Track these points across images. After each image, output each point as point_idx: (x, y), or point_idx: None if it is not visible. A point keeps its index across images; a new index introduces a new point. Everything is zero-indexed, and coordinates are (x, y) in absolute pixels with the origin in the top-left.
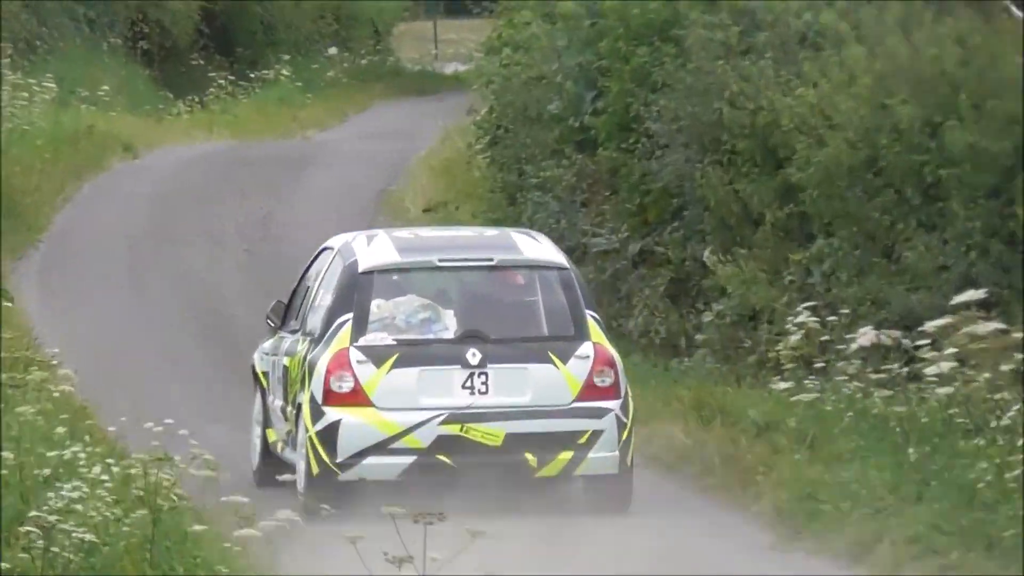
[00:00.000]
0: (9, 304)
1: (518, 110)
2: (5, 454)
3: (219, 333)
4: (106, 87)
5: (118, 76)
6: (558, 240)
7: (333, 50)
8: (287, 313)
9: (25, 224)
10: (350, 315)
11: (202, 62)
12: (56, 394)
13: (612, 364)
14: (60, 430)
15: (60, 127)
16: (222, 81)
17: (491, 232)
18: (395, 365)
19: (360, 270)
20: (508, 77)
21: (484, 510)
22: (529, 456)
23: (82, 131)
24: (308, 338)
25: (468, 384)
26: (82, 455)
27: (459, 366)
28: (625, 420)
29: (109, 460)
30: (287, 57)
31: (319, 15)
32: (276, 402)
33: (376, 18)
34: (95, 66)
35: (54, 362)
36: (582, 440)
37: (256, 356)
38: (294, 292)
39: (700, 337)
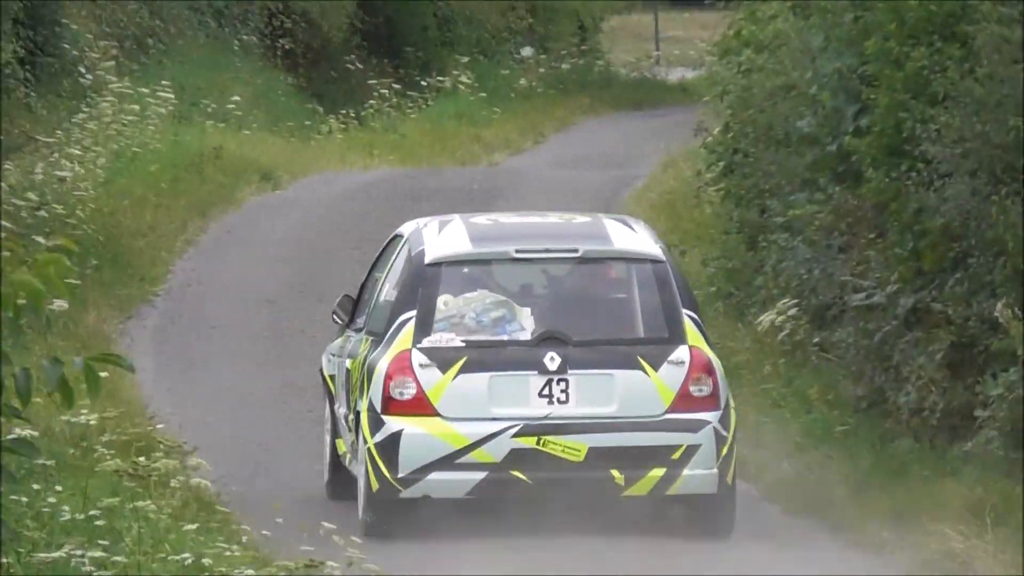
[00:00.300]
0: (129, 373)
1: (760, 129)
2: (118, 558)
3: None
4: (238, 98)
5: (253, 84)
6: (808, 294)
7: (527, 51)
8: (355, 309)
9: (137, 274)
10: (414, 313)
11: (360, 66)
12: (180, 485)
13: (711, 371)
14: (190, 527)
15: (180, 149)
16: (385, 91)
17: (581, 219)
18: (463, 370)
19: (426, 261)
20: (748, 86)
21: (562, 531)
22: (615, 473)
23: (208, 155)
24: (370, 338)
25: (546, 392)
26: (218, 559)
27: (536, 372)
28: (725, 434)
29: (248, 572)
30: (467, 60)
31: (509, 6)
32: (340, 409)
33: (581, 10)
34: (224, 71)
35: (180, 445)
36: (675, 456)
37: (324, 358)
38: (363, 285)
39: (986, 415)
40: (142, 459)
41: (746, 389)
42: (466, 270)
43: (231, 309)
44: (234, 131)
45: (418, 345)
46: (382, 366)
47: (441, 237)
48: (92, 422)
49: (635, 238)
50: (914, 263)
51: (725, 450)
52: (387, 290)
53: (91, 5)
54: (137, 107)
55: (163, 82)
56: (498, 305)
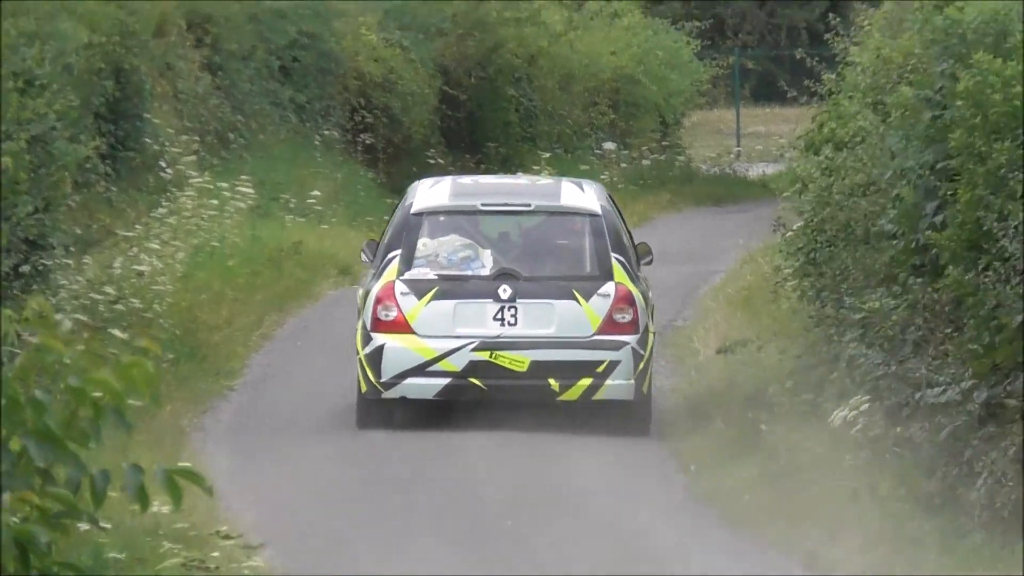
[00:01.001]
0: (208, 491)
1: (840, 226)
2: None
3: (469, 524)
4: (318, 192)
5: (333, 179)
6: (884, 390)
7: (609, 145)
8: (378, 249)
9: (213, 368)
10: (399, 251)
11: (440, 161)
12: None
13: (631, 302)
14: None
15: (259, 244)
16: None
17: (544, 181)
18: (435, 297)
19: (412, 211)
20: (828, 184)
21: (510, 426)
22: (552, 381)
23: (287, 249)
24: (372, 271)
25: (499, 316)
26: None
27: (491, 300)
28: (642, 353)
29: None
30: (548, 155)
31: (591, 101)
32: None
33: (663, 106)
34: (305, 166)
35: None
36: (600, 369)
37: (359, 289)
38: (384, 230)
39: None
40: (212, 554)
41: (817, 486)
42: (442, 218)
43: (307, 404)
44: (313, 225)
45: (401, 277)
46: (372, 293)
47: (430, 192)
48: (164, 511)
49: (581, 196)
50: (989, 359)
51: (642, 365)
52: (389, 234)
53: (173, 100)
54: (216, 202)
55: (243, 177)
56: (465, 247)
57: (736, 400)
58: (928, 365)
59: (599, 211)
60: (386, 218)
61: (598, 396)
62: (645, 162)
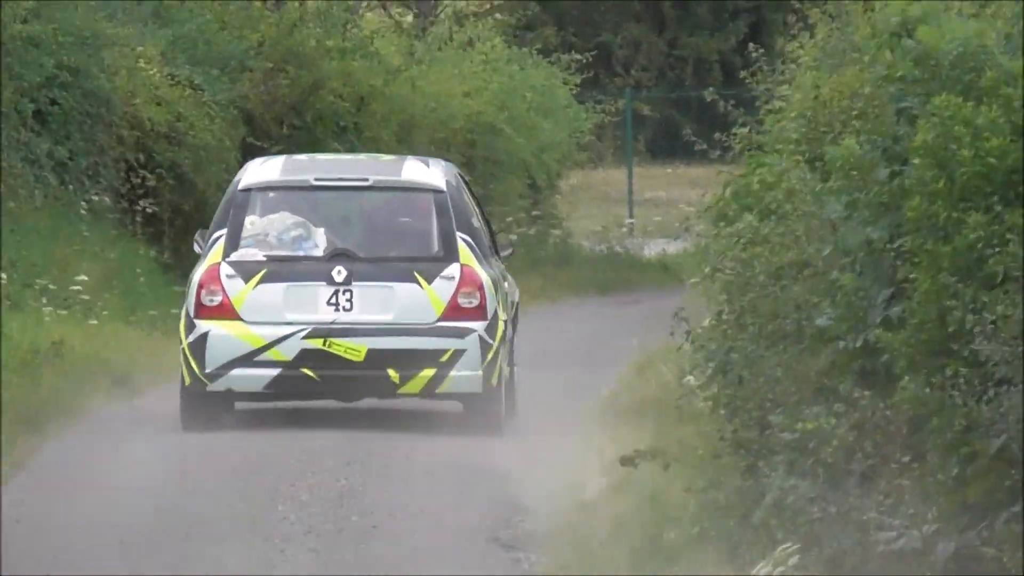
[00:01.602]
0: None
1: (764, 320)
2: None
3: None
4: (84, 277)
5: (105, 259)
6: (818, 539)
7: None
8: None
9: None
10: (224, 231)
11: None
12: None
13: (479, 286)
14: None
15: (8, 344)
16: None
17: (386, 158)
18: (263, 280)
19: (239, 188)
20: (748, 263)
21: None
22: (391, 372)
23: (45, 352)
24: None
25: (333, 301)
26: None
27: (325, 283)
28: (491, 342)
29: None
30: None
31: (441, 154)
32: None
33: (534, 162)
34: (67, 242)
35: None
36: (444, 359)
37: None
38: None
39: None
40: None
41: None
42: (272, 195)
43: (75, 553)
44: (79, 320)
45: (226, 259)
46: (195, 277)
47: (260, 168)
48: None
49: (424, 172)
50: (959, 496)
51: (490, 355)
52: (216, 215)
53: None
54: None
55: None
56: (297, 226)
57: (624, 553)
58: (879, 504)
59: (443, 187)
60: (174, 311)
61: (442, 389)
62: (511, 237)
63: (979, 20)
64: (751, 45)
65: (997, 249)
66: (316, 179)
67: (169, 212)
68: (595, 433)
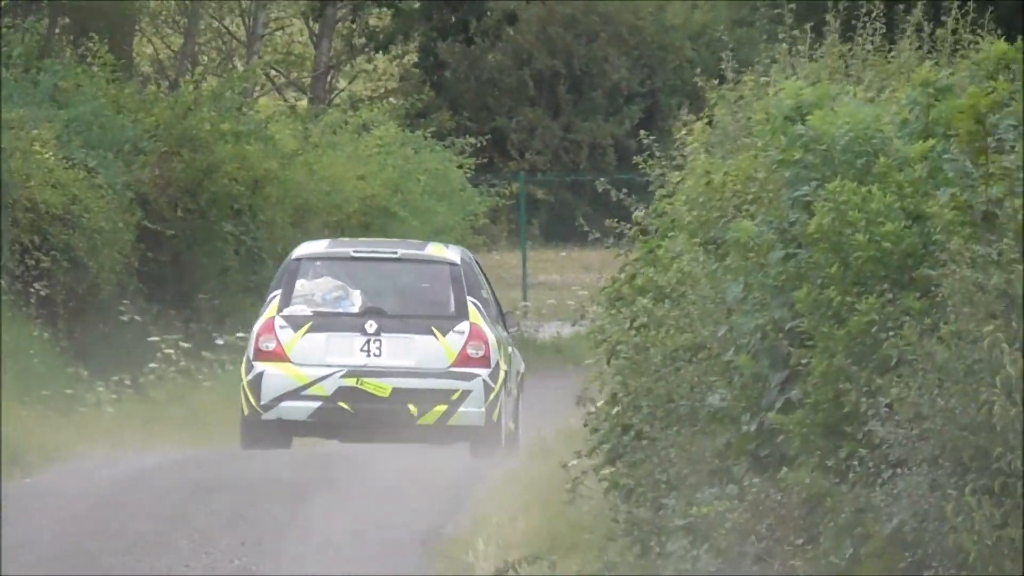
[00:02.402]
0: None
1: (658, 402)
2: None
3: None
4: None
5: None
6: None
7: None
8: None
9: None
10: (279, 291)
11: (138, 318)
12: None
13: (484, 340)
14: None
15: None
16: (171, 350)
17: (413, 241)
18: (309, 331)
19: (293, 257)
20: (643, 346)
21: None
22: (411, 407)
23: None
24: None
25: (365, 348)
26: None
27: (359, 333)
28: (493, 385)
29: None
30: None
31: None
32: None
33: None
34: None
35: None
36: (454, 397)
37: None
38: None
39: None
40: None
41: None
42: (318, 264)
43: None
44: None
45: (280, 313)
46: (255, 327)
47: (310, 244)
48: None
49: (443, 250)
50: None
51: (492, 396)
52: (273, 280)
53: None
54: None
55: None
56: (338, 288)
57: None
58: None
59: (458, 262)
60: (68, 391)
61: (452, 421)
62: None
63: (874, 105)
64: (642, 132)
65: (891, 332)
66: (355, 251)
67: (63, 294)
68: (490, 518)
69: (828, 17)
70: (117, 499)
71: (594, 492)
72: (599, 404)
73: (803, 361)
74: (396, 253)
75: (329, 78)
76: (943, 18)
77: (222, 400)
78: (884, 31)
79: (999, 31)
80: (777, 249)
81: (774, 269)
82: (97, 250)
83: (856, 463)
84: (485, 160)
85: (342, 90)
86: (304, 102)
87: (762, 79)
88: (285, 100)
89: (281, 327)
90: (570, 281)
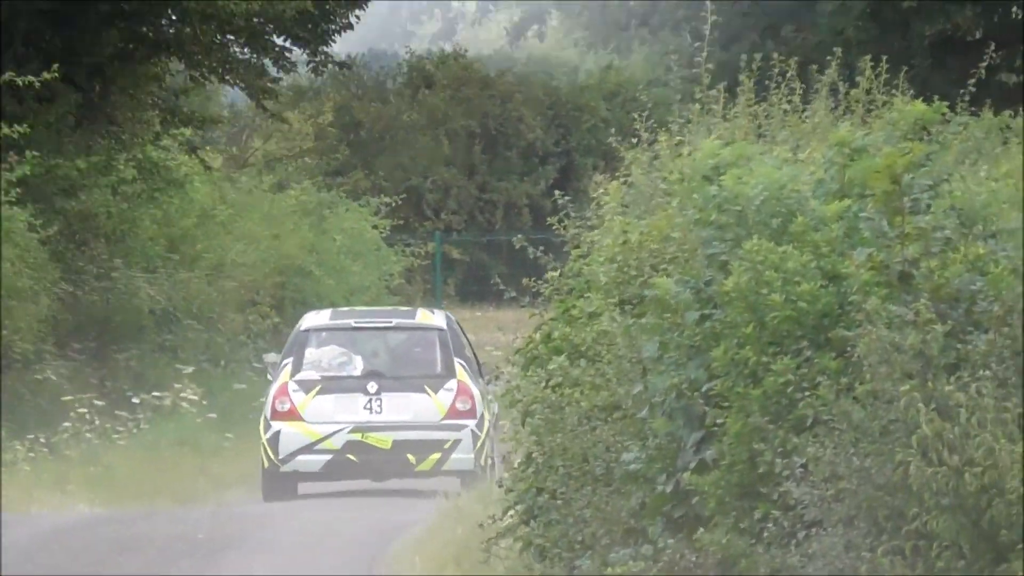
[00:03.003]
0: None
1: (572, 462)
2: None
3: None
4: None
5: None
6: None
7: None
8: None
9: None
10: (291, 359)
11: (52, 377)
12: None
13: (470, 395)
14: None
15: None
16: (84, 410)
17: (404, 309)
18: (319, 393)
19: (301, 329)
20: (558, 406)
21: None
22: (410, 456)
23: None
24: (271, 379)
25: (368, 406)
26: None
27: (362, 393)
28: (479, 433)
29: None
30: (192, 369)
31: (249, 300)
32: None
33: (345, 304)
34: None
35: None
36: (447, 446)
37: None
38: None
39: None
40: None
41: None
42: (324, 334)
43: None
44: None
45: (293, 378)
46: (271, 391)
47: (315, 316)
48: None
49: (431, 317)
50: None
51: (479, 443)
52: (284, 348)
53: None
54: None
55: None
56: (342, 354)
57: None
58: None
59: (445, 327)
60: None
61: (446, 467)
62: None
63: (792, 165)
64: (557, 192)
65: (807, 392)
66: (355, 322)
67: None
68: (408, 574)
69: (742, 77)
70: (29, 560)
71: (509, 552)
72: (514, 465)
73: (718, 421)
74: (391, 322)
75: (244, 137)
76: (857, 78)
77: (138, 458)
78: (800, 91)
79: (912, 91)
80: (693, 309)
81: (690, 329)
82: (10, 310)
83: (771, 524)
84: (401, 220)
85: (257, 149)
86: (219, 161)
87: (676, 139)
88: (201, 160)
89: (294, 390)
90: (485, 341)
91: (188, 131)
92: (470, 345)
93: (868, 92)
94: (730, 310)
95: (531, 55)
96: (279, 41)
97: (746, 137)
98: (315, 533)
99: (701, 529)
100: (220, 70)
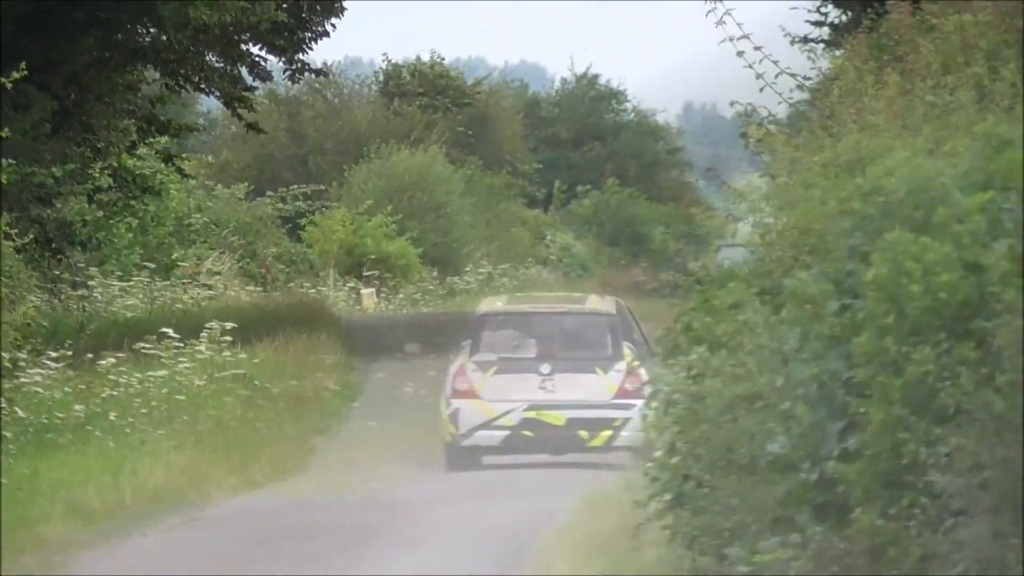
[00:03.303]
0: None
1: (717, 451)
2: None
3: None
4: None
5: None
6: None
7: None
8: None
9: None
10: (470, 341)
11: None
12: None
13: (638, 376)
14: None
15: None
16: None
17: (576, 295)
18: (496, 372)
19: (479, 313)
20: (700, 395)
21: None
22: (583, 433)
23: None
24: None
25: (542, 386)
26: None
27: (536, 374)
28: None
29: None
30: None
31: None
32: None
33: None
34: None
35: None
36: (617, 424)
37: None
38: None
39: None
40: None
41: None
42: (501, 318)
43: None
44: None
45: (471, 359)
46: (451, 370)
47: (492, 301)
48: None
49: (600, 303)
50: None
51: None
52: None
53: None
54: None
55: None
56: (517, 337)
57: None
58: None
59: (614, 312)
60: None
61: (616, 444)
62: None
63: (935, 157)
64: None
65: (948, 382)
66: (530, 307)
67: None
68: (553, 567)
69: (889, 70)
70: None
71: (656, 541)
72: (658, 454)
73: (860, 411)
74: (563, 308)
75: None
76: (1001, 70)
77: None
78: (945, 85)
79: None
80: (834, 300)
81: (831, 319)
82: None
83: (918, 512)
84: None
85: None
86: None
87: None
88: (177, 168)
89: (473, 370)
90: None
91: (164, 139)
92: (640, 329)
93: (1012, 85)
94: (871, 300)
95: None
96: (255, 50)
97: (889, 129)
98: (461, 524)
99: (851, 515)
100: (196, 78)
